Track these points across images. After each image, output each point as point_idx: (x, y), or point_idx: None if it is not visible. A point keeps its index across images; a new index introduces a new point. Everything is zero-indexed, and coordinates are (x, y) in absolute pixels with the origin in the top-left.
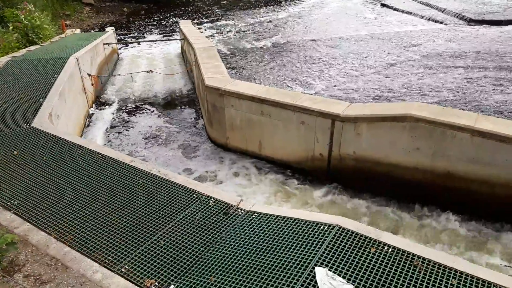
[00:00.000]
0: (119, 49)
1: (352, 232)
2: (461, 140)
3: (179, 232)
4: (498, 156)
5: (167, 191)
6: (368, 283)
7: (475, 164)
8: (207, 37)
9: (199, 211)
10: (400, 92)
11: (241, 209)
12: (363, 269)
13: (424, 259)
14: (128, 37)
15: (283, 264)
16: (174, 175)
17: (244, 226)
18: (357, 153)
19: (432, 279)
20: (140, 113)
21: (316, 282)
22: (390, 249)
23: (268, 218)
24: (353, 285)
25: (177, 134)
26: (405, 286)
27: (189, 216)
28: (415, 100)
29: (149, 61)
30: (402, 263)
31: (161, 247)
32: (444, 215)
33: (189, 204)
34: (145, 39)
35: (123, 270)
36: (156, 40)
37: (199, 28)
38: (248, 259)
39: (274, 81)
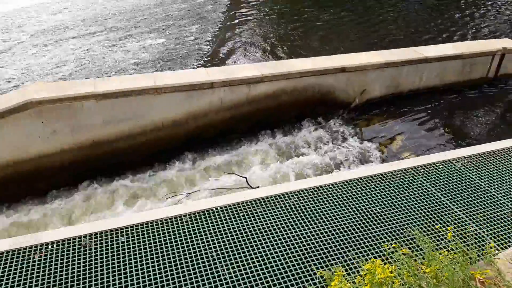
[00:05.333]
0: None
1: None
2: (91, 107)
3: None
4: (127, 109)
5: None
6: None
7: (113, 124)
8: None
9: None
10: (22, 78)
11: None
12: None
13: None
14: None
15: None
16: None
17: None
18: None
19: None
20: None
21: None
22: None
23: None
24: None
25: None
26: None
27: None
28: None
29: None
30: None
31: None
32: (113, 181)
33: None
34: None
35: None
36: None
37: None
38: None
39: None
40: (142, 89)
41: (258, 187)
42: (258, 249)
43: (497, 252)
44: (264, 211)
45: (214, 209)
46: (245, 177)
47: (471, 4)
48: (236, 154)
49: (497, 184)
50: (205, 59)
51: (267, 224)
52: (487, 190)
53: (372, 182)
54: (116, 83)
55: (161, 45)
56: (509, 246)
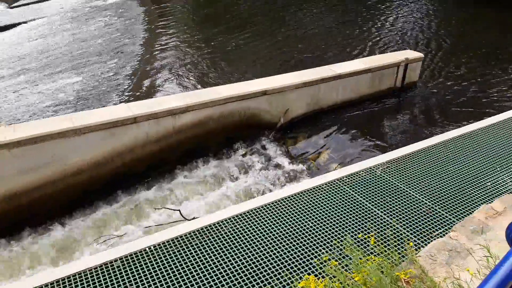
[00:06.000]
0: None
1: None
2: (3, 157)
3: None
4: (45, 155)
5: None
6: None
7: (30, 173)
8: None
9: None
10: None
11: None
12: None
13: None
14: None
15: None
16: None
17: None
18: None
19: None
20: None
21: None
22: None
23: None
24: None
25: None
26: None
27: None
28: None
29: None
30: None
31: None
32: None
33: None
34: None
35: None
36: None
37: None
38: None
39: None
40: (60, 131)
41: (193, 218)
42: (197, 283)
43: (421, 248)
44: (200, 243)
45: (147, 249)
46: (179, 210)
47: (368, 19)
48: (167, 187)
49: (414, 185)
50: (126, 93)
51: (204, 255)
52: (406, 191)
53: (302, 198)
54: (29, 129)
55: (79, 83)
56: (430, 242)
